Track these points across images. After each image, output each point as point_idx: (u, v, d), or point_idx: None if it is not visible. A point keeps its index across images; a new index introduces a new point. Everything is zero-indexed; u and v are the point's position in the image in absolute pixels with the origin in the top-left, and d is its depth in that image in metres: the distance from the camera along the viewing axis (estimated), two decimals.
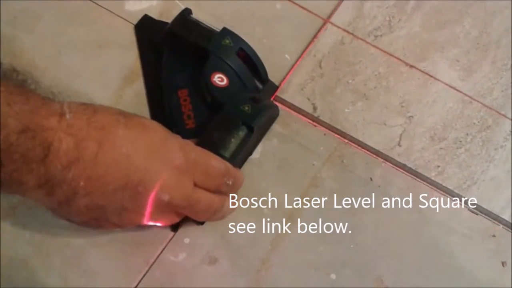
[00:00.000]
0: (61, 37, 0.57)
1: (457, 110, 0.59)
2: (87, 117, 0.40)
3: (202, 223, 0.50)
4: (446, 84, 0.61)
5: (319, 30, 0.61)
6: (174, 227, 0.49)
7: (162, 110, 0.54)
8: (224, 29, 0.55)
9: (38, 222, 0.47)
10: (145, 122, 0.43)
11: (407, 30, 0.63)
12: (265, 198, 0.52)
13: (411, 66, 0.61)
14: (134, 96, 0.55)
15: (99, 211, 0.41)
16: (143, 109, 0.55)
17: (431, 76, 0.61)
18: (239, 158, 0.51)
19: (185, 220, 0.48)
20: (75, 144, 0.38)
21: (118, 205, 0.41)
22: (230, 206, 0.49)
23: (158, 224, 0.47)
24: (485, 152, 0.58)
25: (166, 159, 0.42)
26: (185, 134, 0.51)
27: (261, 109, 0.52)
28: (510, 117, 0.60)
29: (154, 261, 0.48)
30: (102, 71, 0.56)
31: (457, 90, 0.60)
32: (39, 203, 0.41)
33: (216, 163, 0.46)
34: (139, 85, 0.56)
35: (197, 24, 0.56)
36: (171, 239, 0.49)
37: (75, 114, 0.39)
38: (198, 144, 0.49)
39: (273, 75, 0.58)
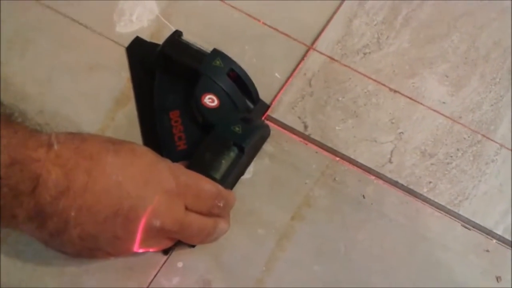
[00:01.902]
0: (51, 61, 0.57)
1: (446, 126, 0.60)
2: (75, 147, 0.40)
3: (194, 246, 0.50)
4: (436, 100, 0.61)
5: (308, 49, 0.62)
6: (166, 251, 0.49)
7: (154, 132, 0.54)
8: (214, 50, 0.56)
9: (31, 250, 0.47)
10: (134, 148, 0.43)
11: (395, 47, 0.63)
12: (258, 218, 0.52)
13: (397, 86, 0.61)
14: (126, 119, 0.55)
15: (92, 241, 0.41)
16: (135, 132, 0.55)
17: (421, 92, 0.61)
18: (230, 179, 0.51)
19: (177, 243, 0.48)
20: (64, 175, 0.38)
21: (111, 234, 0.41)
22: (223, 228, 0.48)
23: (151, 250, 0.47)
24: (476, 167, 0.58)
25: (156, 184, 0.42)
26: (176, 155, 0.52)
27: (252, 129, 0.52)
28: (500, 131, 0.60)
29: (148, 287, 0.48)
30: (93, 94, 0.56)
31: (447, 105, 0.61)
32: (31, 235, 0.41)
33: (206, 185, 0.46)
34: (131, 108, 0.56)
35: (187, 46, 0.57)
36: (164, 263, 0.49)
37: (63, 144, 0.39)
38: (189, 166, 0.49)
39: (264, 94, 0.58)
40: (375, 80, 0.61)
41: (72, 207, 0.39)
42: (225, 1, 0.63)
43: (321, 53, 0.62)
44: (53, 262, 0.47)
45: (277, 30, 0.62)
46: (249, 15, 0.63)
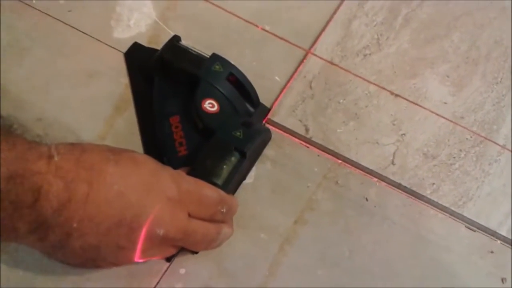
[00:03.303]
0: (50, 69, 0.57)
1: (449, 126, 0.59)
2: (75, 158, 0.39)
3: (197, 252, 0.49)
4: (437, 100, 0.61)
5: (308, 51, 0.61)
6: (169, 258, 0.49)
7: (154, 138, 0.54)
8: (214, 54, 0.55)
9: (32, 259, 0.47)
10: (135, 156, 0.43)
11: (396, 48, 0.63)
12: (261, 223, 0.52)
13: (398, 87, 0.61)
14: (126, 125, 0.55)
15: (95, 252, 0.40)
16: (135, 138, 0.54)
17: (422, 93, 0.61)
18: (232, 185, 0.50)
19: (180, 250, 0.48)
20: (65, 186, 0.38)
21: (114, 244, 0.40)
22: (226, 234, 0.48)
23: (155, 258, 0.46)
24: (479, 167, 0.58)
25: (158, 193, 0.42)
26: (177, 161, 0.51)
27: (253, 133, 0.52)
28: (502, 131, 0.60)
29: None
30: (92, 101, 0.56)
31: (448, 106, 0.61)
32: (33, 247, 0.41)
33: (209, 192, 0.46)
34: (130, 114, 0.56)
35: (186, 51, 0.56)
36: (166, 270, 0.48)
37: (63, 156, 0.39)
38: (191, 172, 0.48)
39: (265, 98, 0.58)
40: (375, 82, 0.61)
41: (74, 219, 0.38)
42: (223, 7, 0.63)
43: (320, 55, 0.61)
44: (54, 271, 0.46)
45: (275, 35, 0.62)
46: (247, 20, 0.62)
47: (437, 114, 0.60)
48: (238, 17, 0.62)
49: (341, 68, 0.61)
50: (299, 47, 0.62)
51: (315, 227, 0.53)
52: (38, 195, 0.37)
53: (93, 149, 0.41)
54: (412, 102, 0.60)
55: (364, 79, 0.61)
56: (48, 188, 0.37)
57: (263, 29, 0.62)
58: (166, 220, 0.42)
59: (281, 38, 0.62)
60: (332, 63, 0.61)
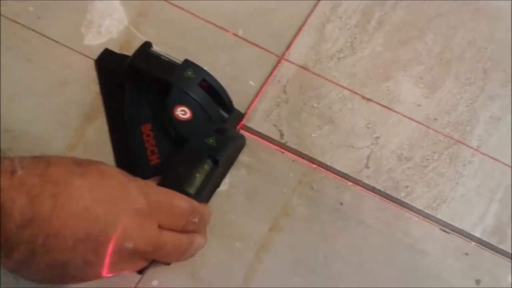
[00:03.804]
0: (18, 77, 0.56)
1: (422, 129, 0.59)
2: (40, 172, 0.38)
3: (169, 263, 0.49)
4: (411, 103, 0.61)
5: (282, 56, 0.61)
6: (140, 270, 0.48)
7: (126, 147, 0.53)
8: (186, 60, 0.55)
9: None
10: (102, 169, 0.42)
11: (369, 51, 0.63)
12: (236, 231, 0.52)
13: (372, 90, 0.61)
14: (96, 134, 0.54)
15: (62, 268, 0.40)
16: (106, 148, 0.54)
17: (396, 96, 0.61)
18: (205, 193, 0.50)
19: (151, 261, 0.47)
20: (29, 202, 0.37)
21: (81, 260, 0.40)
22: (199, 244, 0.48)
23: (126, 272, 0.46)
24: (453, 169, 0.58)
25: (126, 205, 0.41)
26: (149, 170, 0.51)
27: (226, 140, 0.51)
28: (476, 132, 0.60)
29: None
30: (62, 110, 0.55)
31: (422, 108, 0.61)
32: None
33: (180, 202, 0.45)
34: (101, 122, 0.55)
35: (158, 57, 0.56)
36: (138, 283, 0.48)
37: (28, 170, 0.38)
38: (162, 181, 0.48)
39: (239, 103, 0.58)
40: (349, 85, 0.61)
41: (39, 235, 0.37)
42: (195, 13, 0.62)
43: (294, 60, 0.61)
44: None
45: (248, 40, 0.61)
46: (219, 26, 0.62)
47: (410, 117, 0.60)
48: (211, 22, 0.62)
49: (314, 72, 0.61)
50: (273, 52, 0.61)
51: (290, 233, 0.52)
52: (0, 212, 0.36)
53: (59, 162, 0.40)
54: (385, 105, 0.60)
55: (338, 84, 0.60)
56: (11, 205, 0.36)
57: (236, 34, 0.62)
58: (135, 233, 0.41)
59: (255, 44, 0.61)
60: (306, 68, 0.61)
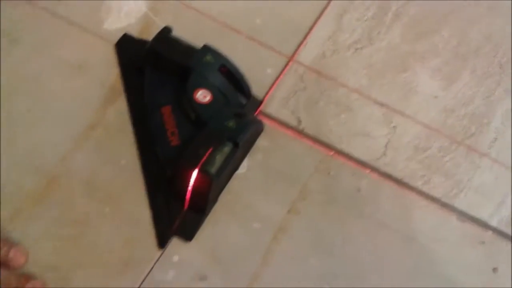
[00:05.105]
0: (40, 60, 0.56)
1: (440, 120, 0.60)
2: None
3: (190, 239, 0.49)
4: (428, 94, 0.61)
5: (299, 45, 0.62)
6: (162, 244, 0.48)
7: (146, 128, 0.53)
8: (205, 46, 0.55)
9: None
10: None
11: (387, 42, 0.63)
12: (254, 213, 0.52)
13: (390, 81, 0.61)
14: (117, 115, 0.55)
15: None
16: (126, 128, 0.54)
17: (413, 87, 0.61)
18: (224, 174, 0.50)
19: (173, 236, 0.47)
20: None
21: None
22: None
23: None
24: (470, 160, 0.58)
25: None
26: (170, 151, 0.51)
27: (246, 124, 0.52)
28: (493, 124, 0.60)
29: (143, 281, 0.47)
30: (83, 91, 0.55)
31: (439, 99, 0.61)
32: None
33: None
34: (122, 104, 0.55)
35: (177, 42, 0.56)
36: (159, 257, 0.48)
37: None
38: (183, 160, 0.48)
39: (256, 90, 0.58)
40: (367, 75, 0.61)
41: None
42: (214, 1, 0.63)
43: (312, 49, 0.61)
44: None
45: (265, 29, 0.62)
46: (239, 13, 0.62)
47: (428, 108, 0.60)
48: (231, 9, 0.62)
49: (332, 62, 0.61)
50: (290, 41, 0.62)
51: (307, 216, 0.52)
52: None
53: None
54: (403, 95, 0.60)
55: (355, 73, 0.61)
56: None
57: (255, 23, 0.62)
58: None
59: (272, 32, 0.62)
60: (323, 57, 0.61)
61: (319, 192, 0.54)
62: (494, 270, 0.52)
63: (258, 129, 0.56)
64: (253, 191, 0.53)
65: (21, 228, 0.48)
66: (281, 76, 0.60)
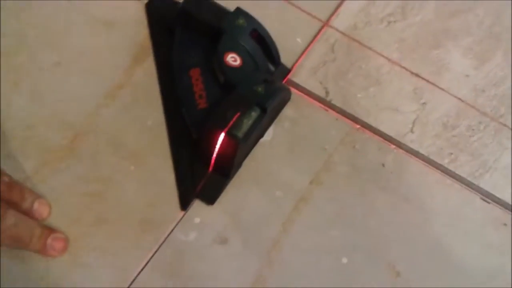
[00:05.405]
0: (69, 15, 0.56)
1: (470, 98, 0.59)
2: None
3: (212, 202, 0.49)
4: (459, 72, 0.60)
5: (331, 15, 0.61)
6: (184, 206, 0.48)
7: (174, 89, 0.53)
8: (238, 9, 0.54)
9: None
10: None
11: (420, 17, 0.62)
12: (277, 181, 0.52)
13: (421, 56, 0.60)
14: (145, 75, 0.54)
15: None
16: (154, 88, 0.54)
17: (444, 64, 0.60)
18: (251, 139, 0.50)
19: (195, 198, 0.47)
20: None
21: None
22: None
23: None
24: (497, 141, 0.57)
25: None
26: (197, 114, 0.51)
27: (274, 90, 0.51)
28: None
29: (164, 240, 0.47)
30: (111, 49, 0.55)
31: (470, 78, 0.60)
32: None
33: None
34: (150, 64, 0.55)
35: (210, 3, 0.55)
36: (181, 218, 0.48)
37: None
38: (210, 123, 0.48)
39: (285, 59, 0.57)
40: (398, 49, 0.60)
41: None
42: None
43: (344, 20, 0.60)
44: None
45: None
46: None
47: (458, 86, 0.59)
48: None
49: (364, 34, 0.60)
50: (322, 11, 0.61)
51: (330, 188, 0.52)
52: None
53: None
54: (434, 72, 0.59)
55: (387, 46, 0.60)
56: None
57: None
58: None
59: (304, 2, 0.61)
60: (355, 29, 0.60)
61: (343, 164, 0.54)
62: None
63: (285, 97, 0.55)
64: (277, 159, 0.52)
65: (45, 182, 0.48)
66: (312, 45, 0.59)
